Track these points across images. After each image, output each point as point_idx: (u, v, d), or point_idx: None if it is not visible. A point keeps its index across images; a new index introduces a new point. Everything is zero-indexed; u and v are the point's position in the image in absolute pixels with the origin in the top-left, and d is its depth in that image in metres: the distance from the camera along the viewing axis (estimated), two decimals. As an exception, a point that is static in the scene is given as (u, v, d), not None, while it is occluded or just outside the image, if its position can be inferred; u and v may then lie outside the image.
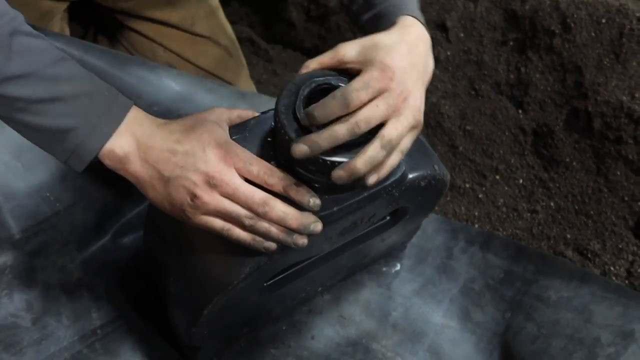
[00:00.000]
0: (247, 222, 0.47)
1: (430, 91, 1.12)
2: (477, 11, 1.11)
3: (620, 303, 0.60)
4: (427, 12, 1.15)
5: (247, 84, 1.03)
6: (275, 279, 0.56)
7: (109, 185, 0.71)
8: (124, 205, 0.71)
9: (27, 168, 0.69)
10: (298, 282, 0.59)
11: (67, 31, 0.92)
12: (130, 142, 0.48)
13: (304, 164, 0.46)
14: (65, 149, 0.47)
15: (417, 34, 0.54)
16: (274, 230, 0.47)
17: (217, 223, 0.48)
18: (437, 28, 1.14)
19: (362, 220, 0.54)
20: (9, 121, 0.48)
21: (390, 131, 0.46)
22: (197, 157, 0.47)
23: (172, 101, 0.75)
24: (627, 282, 0.80)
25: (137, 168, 0.48)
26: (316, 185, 0.48)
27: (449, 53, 1.12)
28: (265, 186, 0.47)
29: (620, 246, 0.87)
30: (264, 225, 0.47)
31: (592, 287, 0.63)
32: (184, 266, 0.52)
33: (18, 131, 0.49)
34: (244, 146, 0.48)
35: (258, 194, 0.47)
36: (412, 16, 0.55)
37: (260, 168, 0.47)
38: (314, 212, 0.47)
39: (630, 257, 0.85)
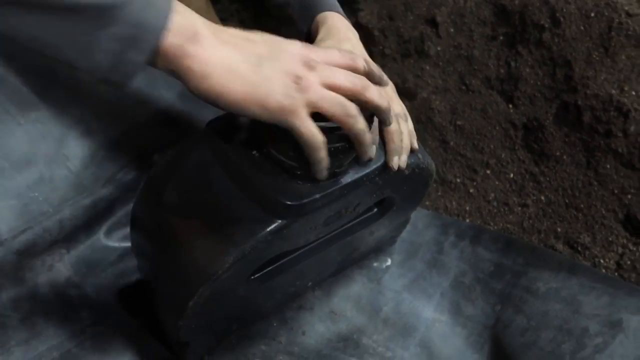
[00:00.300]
0: (352, 112, 0.41)
1: (420, 87, 1.12)
2: (466, 6, 1.11)
3: (608, 293, 0.60)
4: (417, 7, 1.15)
5: None
6: (263, 271, 0.56)
7: (99, 183, 0.70)
8: (114, 204, 0.71)
9: (15, 168, 0.68)
10: (286, 276, 0.59)
11: None
12: (199, 17, 0.38)
13: (289, 152, 0.46)
14: (118, 37, 0.34)
15: (342, 27, 0.57)
16: (368, 134, 0.43)
17: (317, 133, 0.41)
18: (427, 23, 1.14)
19: (347, 210, 0.54)
20: (26, 15, 0.33)
21: (395, 108, 0.53)
22: (283, 44, 0.40)
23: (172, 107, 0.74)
24: (616, 274, 0.81)
25: (214, 49, 0.37)
26: (298, 172, 0.48)
27: (439, 48, 1.12)
28: (351, 68, 0.42)
29: (610, 239, 0.87)
30: (361, 121, 0.42)
31: (580, 277, 0.63)
32: (169, 260, 0.52)
33: (32, 36, 0.34)
34: (224, 139, 0.48)
35: (354, 75, 0.42)
36: (329, 10, 0.59)
37: (343, 53, 0.42)
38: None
39: (620, 250, 0.85)
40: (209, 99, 0.39)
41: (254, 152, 0.48)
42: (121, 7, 0.34)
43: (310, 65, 0.40)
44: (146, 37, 0.35)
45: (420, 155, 0.57)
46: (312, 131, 0.41)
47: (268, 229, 0.47)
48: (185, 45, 0.37)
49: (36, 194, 0.67)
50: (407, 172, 0.55)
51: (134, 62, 0.36)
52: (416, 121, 1.10)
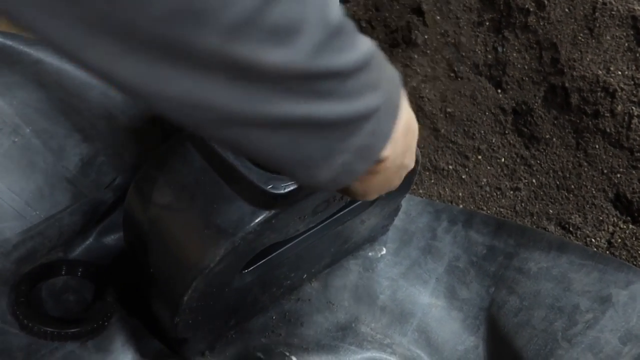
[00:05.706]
0: None
1: (409, 76, 1.12)
2: (451, -7, 1.11)
3: (597, 269, 0.61)
4: (402, -3, 1.15)
5: None
6: (256, 264, 0.56)
7: (99, 190, 0.70)
8: (113, 207, 0.71)
9: (13, 190, 0.68)
10: (280, 268, 0.59)
11: None
12: (409, 111, 0.36)
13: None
14: (355, 148, 0.30)
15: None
16: None
17: None
18: (414, 12, 1.14)
19: (335, 198, 0.55)
20: (271, 135, 0.27)
21: None
22: (411, 153, 0.40)
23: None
24: (608, 252, 0.81)
25: (392, 151, 0.34)
26: None
27: (426, 37, 1.12)
28: None
29: (601, 218, 0.88)
30: None
31: (570, 255, 0.64)
32: (161, 256, 0.52)
33: (262, 153, 0.29)
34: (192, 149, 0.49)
35: None
36: None
37: None
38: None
39: (611, 229, 0.86)
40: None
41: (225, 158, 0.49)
42: (371, 115, 0.29)
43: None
44: (378, 145, 0.31)
45: None
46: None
47: (257, 220, 0.48)
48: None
49: (37, 212, 0.67)
50: None
51: (356, 173, 0.31)
52: (407, 111, 1.10)
